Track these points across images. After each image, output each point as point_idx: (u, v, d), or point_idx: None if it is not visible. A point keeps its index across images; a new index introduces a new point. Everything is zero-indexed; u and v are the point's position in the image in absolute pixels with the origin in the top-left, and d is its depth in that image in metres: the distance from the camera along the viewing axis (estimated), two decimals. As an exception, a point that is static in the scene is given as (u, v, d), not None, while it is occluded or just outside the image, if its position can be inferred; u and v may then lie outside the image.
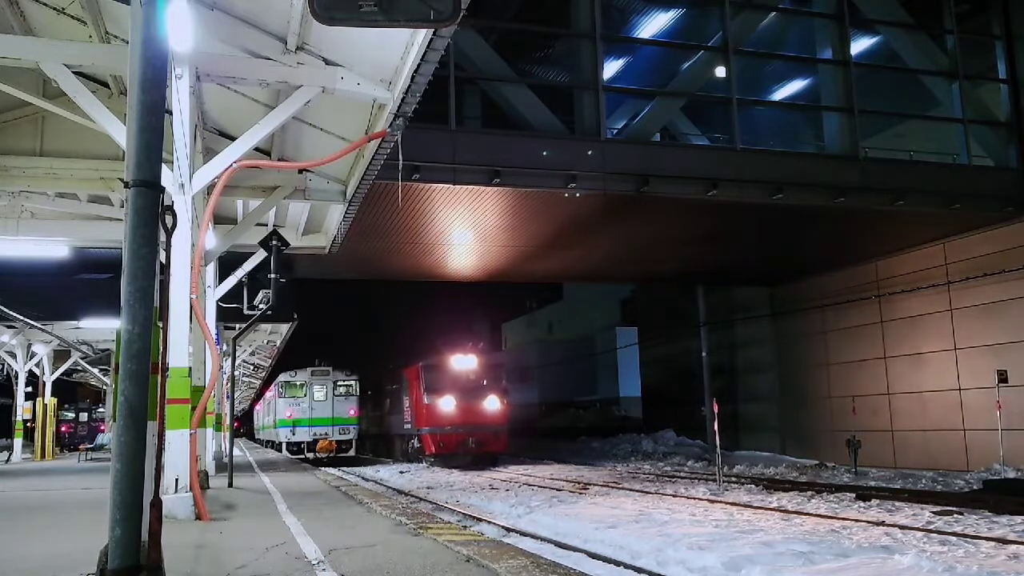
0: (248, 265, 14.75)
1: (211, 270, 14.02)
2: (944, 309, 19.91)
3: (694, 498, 14.42)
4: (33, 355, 27.37)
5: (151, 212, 3.60)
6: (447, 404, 24.80)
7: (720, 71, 17.01)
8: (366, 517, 8.58)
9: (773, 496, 14.72)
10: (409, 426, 26.90)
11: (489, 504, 14.33)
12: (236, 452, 18.41)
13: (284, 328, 26.74)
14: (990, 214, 17.83)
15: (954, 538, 9.45)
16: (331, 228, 15.09)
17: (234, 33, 8.84)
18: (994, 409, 17.80)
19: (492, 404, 25.37)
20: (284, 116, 9.38)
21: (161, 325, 4.35)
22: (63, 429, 42.09)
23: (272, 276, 12.00)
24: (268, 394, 37.09)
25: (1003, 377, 18.03)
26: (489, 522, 11.70)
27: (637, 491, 16.04)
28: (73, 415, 43.37)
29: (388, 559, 5.73)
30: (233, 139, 10.36)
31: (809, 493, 15.01)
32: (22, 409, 28.42)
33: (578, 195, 15.17)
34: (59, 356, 29.16)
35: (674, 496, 14.91)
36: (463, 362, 26.08)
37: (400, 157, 10.06)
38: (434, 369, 25.81)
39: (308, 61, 8.94)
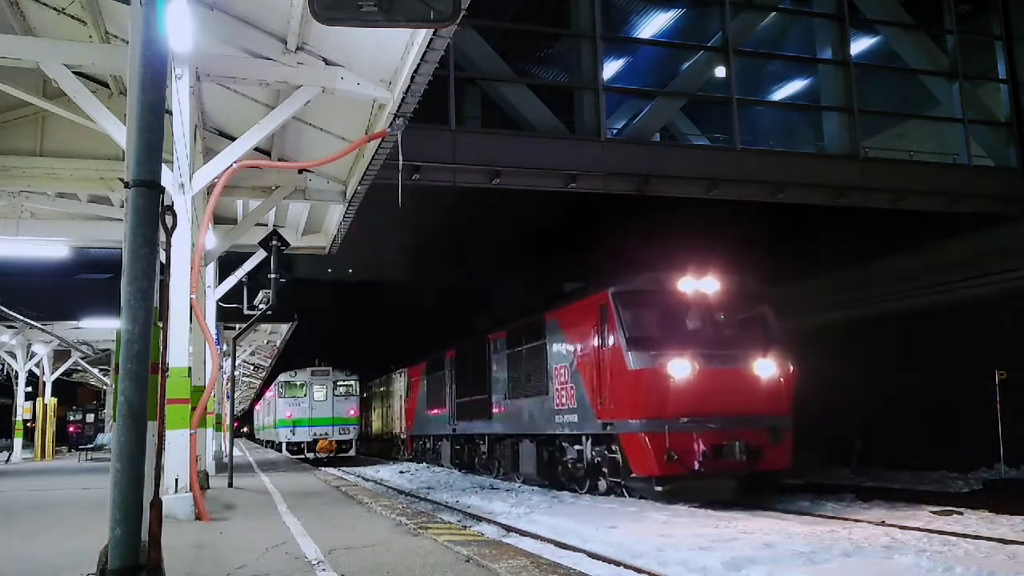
0: (248, 265, 14.78)
1: (211, 270, 14.05)
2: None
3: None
4: (33, 355, 27.42)
5: (151, 212, 3.61)
6: (681, 369, 12.29)
7: (720, 71, 17.02)
8: (366, 517, 8.58)
9: (774, 496, 14.70)
10: (575, 419, 14.28)
11: (489, 504, 14.31)
12: (236, 452, 18.41)
13: (284, 328, 26.81)
14: (990, 214, 17.83)
15: (954, 538, 9.45)
16: (331, 228, 15.09)
17: (234, 33, 8.85)
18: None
19: (767, 370, 12.81)
20: (284, 116, 9.39)
21: (161, 325, 4.36)
22: (71, 430, 42.23)
23: (272, 276, 12.04)
24: (268, 394, 37.13)
25: (1003, 377, 17.99)
26: (489, 522, 11.69)
27: (637, 491, 16.02)
28: (80, 416, 43.58)
29: (388, 559, 5.73)
30: (233, 139, 10.37)
31: (809, 493, 14.98)
32: (22, 409, 28.46)
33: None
34: (59, 356, 29.22)
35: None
36: (702, 285, 13.46)
37: (400, 157, 10.06)
38: (645, 301, 13.32)
39: (308, 61, 8.96)
